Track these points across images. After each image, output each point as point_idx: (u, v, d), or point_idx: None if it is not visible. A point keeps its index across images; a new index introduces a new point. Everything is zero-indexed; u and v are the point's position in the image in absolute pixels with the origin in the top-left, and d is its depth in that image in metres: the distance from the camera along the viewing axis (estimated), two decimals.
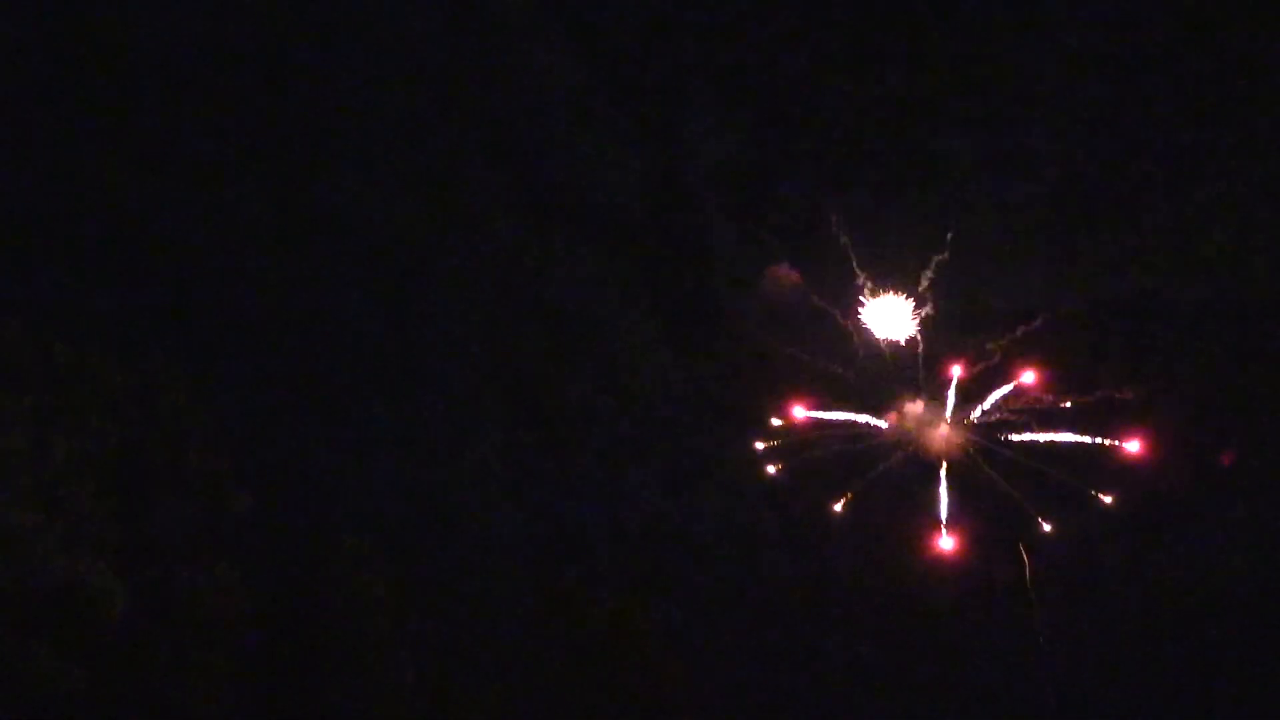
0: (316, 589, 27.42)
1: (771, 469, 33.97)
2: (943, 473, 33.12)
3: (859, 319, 32.45)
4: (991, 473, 32.93)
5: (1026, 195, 33.68)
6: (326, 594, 27.27)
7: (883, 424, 33.57)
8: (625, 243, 34.84)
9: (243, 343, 29.00)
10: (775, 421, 34.04)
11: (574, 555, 33.35)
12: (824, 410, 33.45)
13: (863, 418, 33.43)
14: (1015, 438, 32.74)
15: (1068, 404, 32.73)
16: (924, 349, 32.76)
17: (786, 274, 33.38)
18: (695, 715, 31.40)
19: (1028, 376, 32.76)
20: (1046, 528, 32.69)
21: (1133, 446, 32.31)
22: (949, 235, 31.77)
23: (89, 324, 25.68)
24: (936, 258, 32.01)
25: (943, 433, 33.42)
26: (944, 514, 32.91)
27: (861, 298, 32.25)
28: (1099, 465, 33.27)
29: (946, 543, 32.91)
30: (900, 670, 34.54)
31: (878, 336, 32.57)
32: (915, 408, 33.67)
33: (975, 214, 33.26)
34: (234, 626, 24.72)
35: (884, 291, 32.07)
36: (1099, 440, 32.62)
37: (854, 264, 32.29)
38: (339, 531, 28.06)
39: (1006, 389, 32.56)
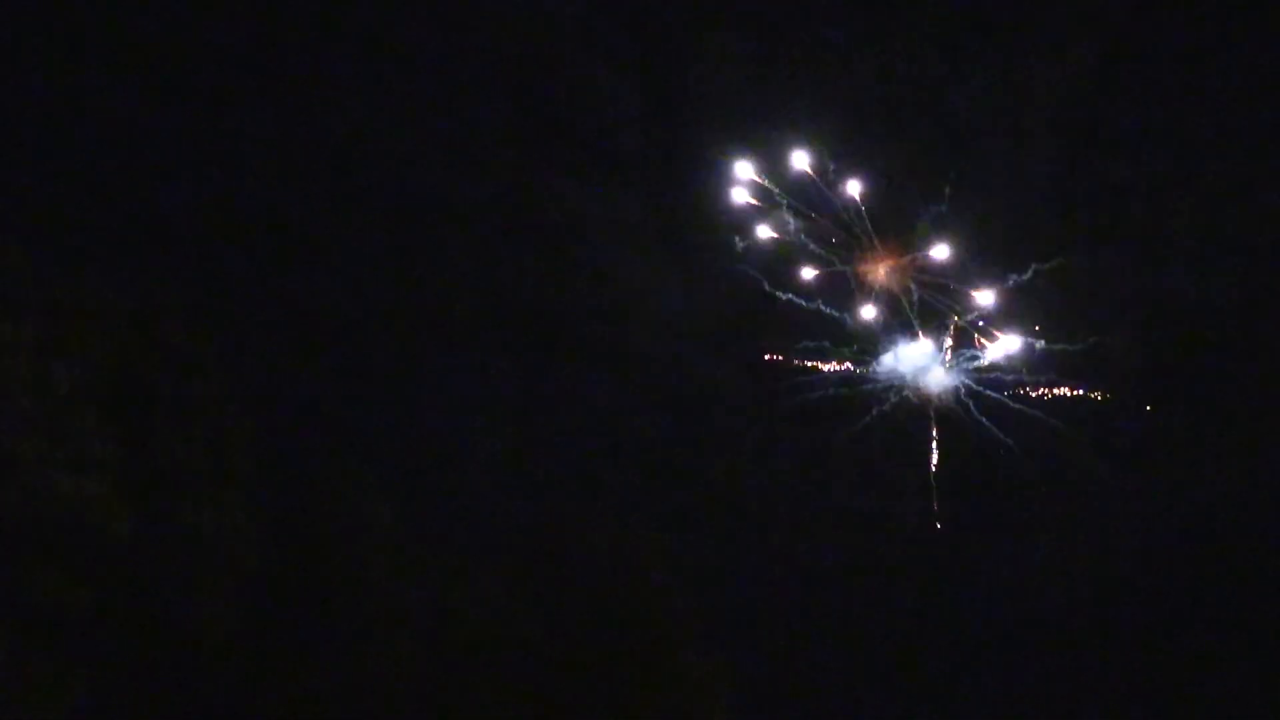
0: (320, 516, 27.76)
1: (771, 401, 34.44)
2: (933, 417, 33.68)
3: (859, 265, 32.69)
4: (982, 419, 33.43)
5: (1029, 146, 33.75)
6: (330, 521, 27.62)
7: (879, 367, 33.97)
8: (626, 172, 34.76)
9: (243, 271, 28.97)
10: (772, 357, 34.40)
11: (575, 482, 33.73)
12: (821, 352, 33.83)
13: (859, 362, 33.87)
14: (1008, 384, 33.21)
15: (1059, 348, 33.13)
16: (921, 296, 33.07)
17: (786, 220, 33.48)
18: (697, 639, 31.99)
19: (1013, 340, 33.19)
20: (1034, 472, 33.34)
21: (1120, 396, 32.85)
22: (947, 188, 31.93)
23: (87, 251, 25.53)
24: (935, 208, 32.16)
25: (938, 377, 33.83)
26: (934, 457, 33.51)
27: (861, 246, 32.48)
28: (1089, 413, 33.81)
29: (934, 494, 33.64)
30: (891, 591, 35.40)
31: (877, 283, 32.85)
32: (911, 351, 34.03)
33: (977, 165, 33.35)
34: (239, 553, 25.08)
35: (883, 240, 32.29)
36: (1090, 391, 33.07)
37: (858, 211, 32.43)
38: (342, 459, 28.31)
39: (1004, 340, 32.97)
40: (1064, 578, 35.20)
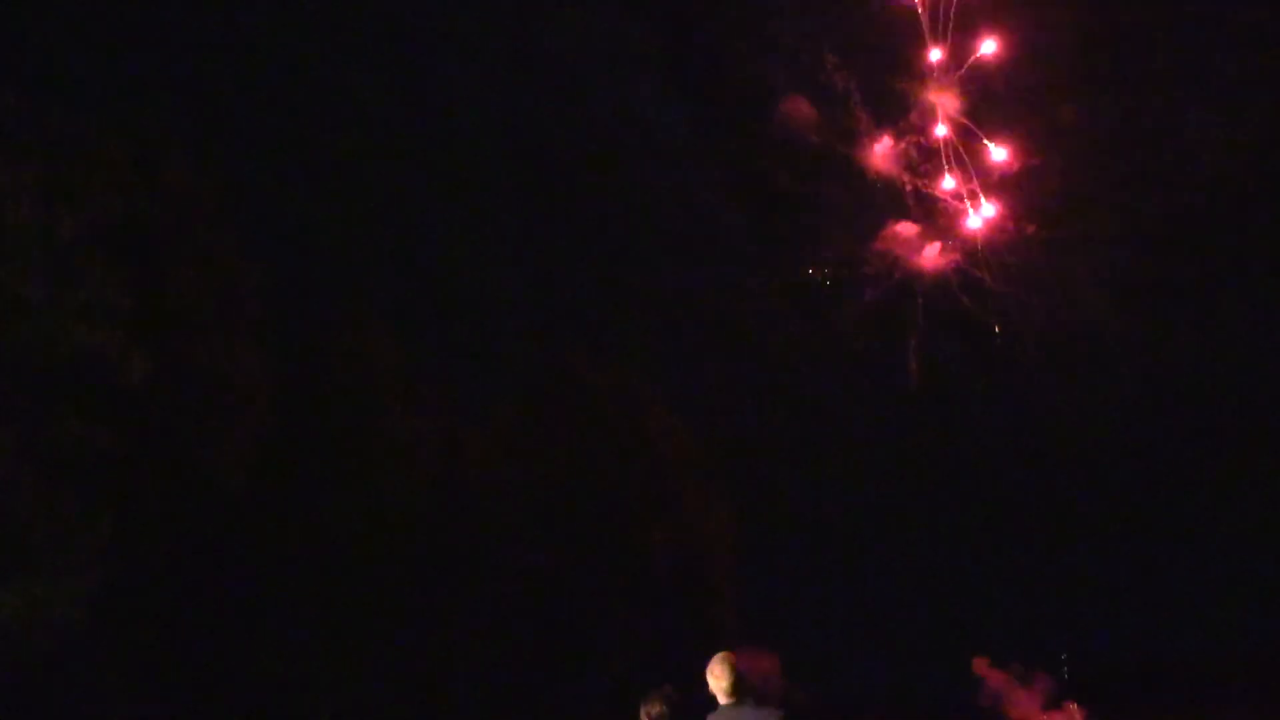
0: (329, 355, 28.18)
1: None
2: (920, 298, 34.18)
3: (860, 149, 32.60)
4: (964, 298, 33.84)
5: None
6: (339, 360, 28.05)
7: (875, 248, 34.20)
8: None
9: (246, 112, 28.55)
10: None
11: (578, 327, 34.07)
12: (820, 233, 34.07)
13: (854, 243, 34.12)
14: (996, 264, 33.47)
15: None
16: (916, 179, 33.01)
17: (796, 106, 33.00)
18: (700, 474, 32.87)
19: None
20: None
21: None
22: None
23: (87, 94, 25.12)
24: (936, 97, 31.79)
25: (928, 255, 34.16)
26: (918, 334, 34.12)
27: (860, 130, 32.29)
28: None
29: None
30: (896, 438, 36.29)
31: (875, 167, 32.85)
32: (905, 230, 34.22)
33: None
34: (251, 393, 25.58)
35: (881, 125, 32.14)
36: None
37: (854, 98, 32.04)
38: (350, 299, 28.54)
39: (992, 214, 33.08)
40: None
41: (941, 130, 32.94)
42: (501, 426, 31.29)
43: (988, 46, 32.10)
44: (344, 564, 26.39)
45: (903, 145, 33.14)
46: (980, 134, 33.01)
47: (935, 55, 32.05)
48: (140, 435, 22.95)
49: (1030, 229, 33.15)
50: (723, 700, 5.62)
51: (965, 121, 33.11)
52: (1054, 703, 36.32)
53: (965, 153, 33.50)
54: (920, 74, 32.89)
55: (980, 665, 38.58)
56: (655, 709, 5.56)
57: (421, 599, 27.38)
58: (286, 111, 29.73)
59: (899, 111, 33.18)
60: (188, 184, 25.06)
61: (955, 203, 33.29)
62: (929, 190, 33.30)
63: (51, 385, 21.45)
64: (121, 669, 24.53)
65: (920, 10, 31.94)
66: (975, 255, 33.47)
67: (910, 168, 33.08)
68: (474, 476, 29.46)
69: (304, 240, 29.03)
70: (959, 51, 32.36)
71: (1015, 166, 33.04)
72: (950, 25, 32.10)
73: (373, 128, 31.69)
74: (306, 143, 29.54)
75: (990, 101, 33.08)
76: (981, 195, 33.17)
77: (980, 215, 33.36)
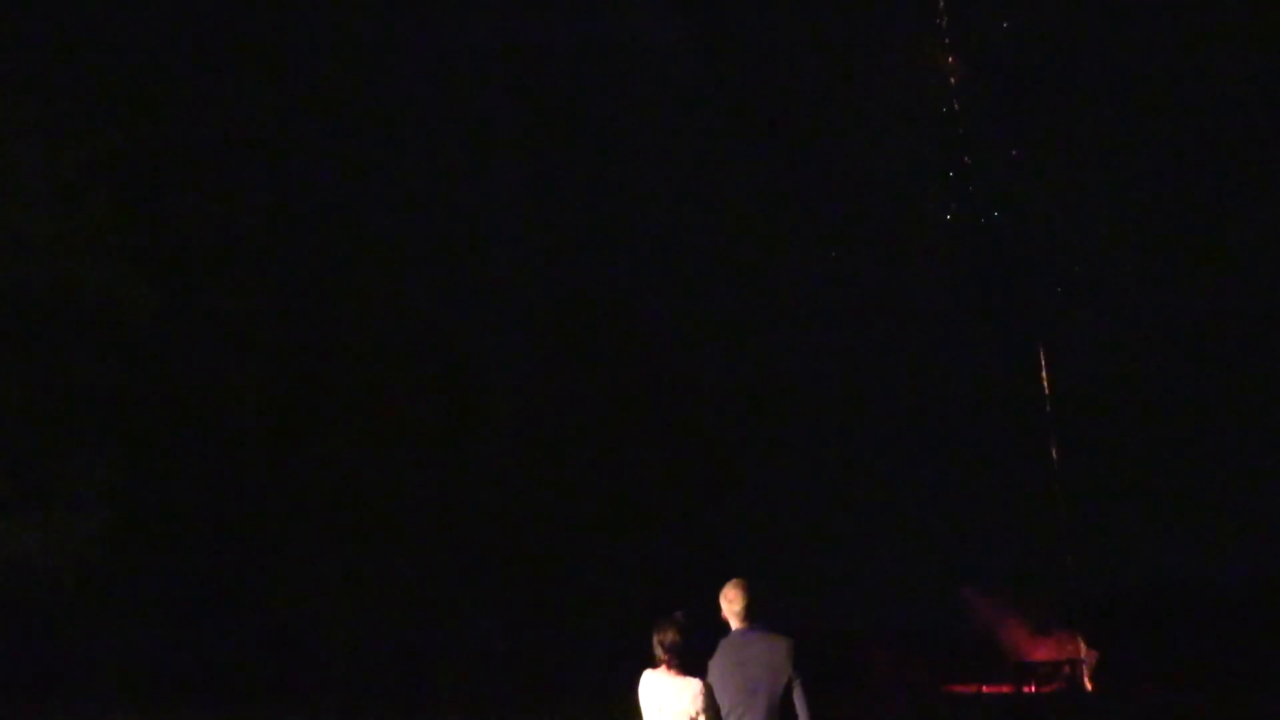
0: (335, 290, 28.17)
1: None
2: None
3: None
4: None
5: None
6: (345, 295, 28.05)
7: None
8: None
9: (245, 43, 28.08)
10: None
11: (589, 259, 33.84)
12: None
13: None
14: None
15: None
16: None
17: None
18: (714, 404, 32.97)
19: None
20: None
21: None
22: None
23: (84, 26, 24.78)
24: None
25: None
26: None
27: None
28: None
29: None
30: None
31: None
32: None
33: None
34: (256, 329, 25.66)
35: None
36: None
37: None
38: (354, 235, 28.38)
39: None
40: None
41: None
42: (506, 357, 31.41)
43: None
44: (351, 496, 26.67)
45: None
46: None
47: None
48: (148, 371, 23.12)
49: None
50: (735, 625, 5.73)
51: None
52: (1045, 628, 37.05)
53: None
54: None
55: (968, 592, 39.33)
56: (669, 636, 5.66)
57: (428, 530, 27.68)
58: (286, 41, 29.30)
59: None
60: (188, 117, 24.89)
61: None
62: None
63: (58, 323, 21.54)
64: (137, 602, 24.98)
65: None
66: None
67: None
68: (479, 408, 29.58)
69: (307, 173, 28.79)
70: None
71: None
72: None
73: (371, 57, 31.24)
74: (306, 73, 29.19)
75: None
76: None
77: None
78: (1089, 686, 33.83)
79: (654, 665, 5.72)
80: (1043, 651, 36.74)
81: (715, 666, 5.56)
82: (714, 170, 35.46)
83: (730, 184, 35.77)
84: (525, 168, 33.63)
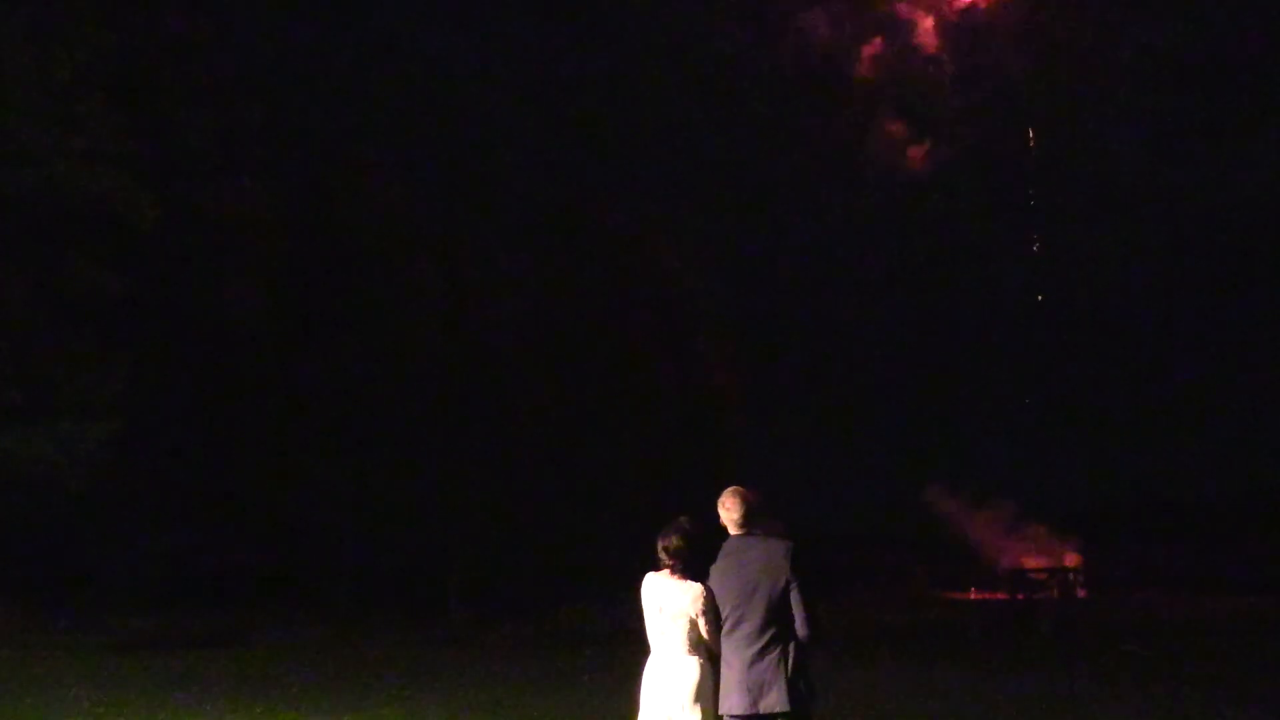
0: (334, 197, 28.05)
1: None
2: None
3: None
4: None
5: None
6: (344, 201, 27.94)
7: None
8: None
9: None
10: None
11: (590, 160, 33.43)
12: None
13: None
14: None
15: None
16: None
17: None
18: (709, 318, 33.03)
19: None
20: None
21: None
22: None
23: None
24: None
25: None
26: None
27: None
28: None
29: None
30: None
31: None
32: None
33: None
34: (258, 236, 25.63)
35: None
36: None
37: None
38: (353, 140, 28.12)
39: None
40: None
41: None
42: (507, 265, 31.30)
43: None
44: (355, 401, 26.90)
45: None
46: None
47: None
48: (154, 278, 23.19)
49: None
50: (733, 531, 5.90)
51: None
52: (1017, 528, 37.70)
53: None
54: None
55: (933, 492, 39.98)
56: (672, 541, 5.84)
57: (432, 436, 27.95)
58: None
59: None
60: (185, 22, 24.54)
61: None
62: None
63: (61, 232, 21.52)
64: (148, 508, 25.39)
65: None
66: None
67: None
68: (480, 315, 29.63)
69: (305, 78, 28.42)
70: None
71: None
72: None
73: None
74: None
75: None
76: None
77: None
78: (1081, 594, 34.51)
79: (657, 568, 5.90)
80: (1034, 560, 37.43)
81: (715, 570, 5.73)
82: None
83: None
84: (529, 68, 33.17)
